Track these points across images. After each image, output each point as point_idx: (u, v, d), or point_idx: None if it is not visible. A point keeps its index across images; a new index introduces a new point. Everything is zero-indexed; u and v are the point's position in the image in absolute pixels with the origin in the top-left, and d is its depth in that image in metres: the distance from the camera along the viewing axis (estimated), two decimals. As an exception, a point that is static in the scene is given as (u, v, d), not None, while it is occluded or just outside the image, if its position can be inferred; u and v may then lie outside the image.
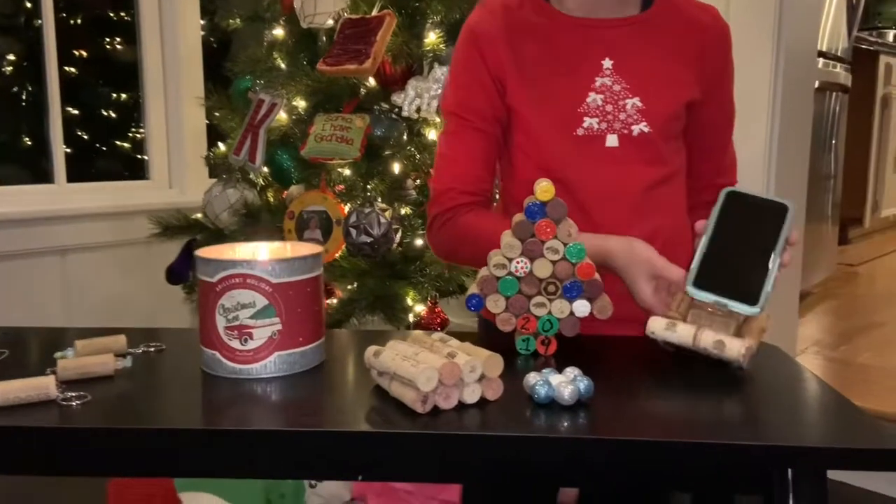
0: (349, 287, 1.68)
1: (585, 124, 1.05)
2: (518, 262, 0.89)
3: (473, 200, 1.08)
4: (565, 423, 0.68)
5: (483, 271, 0.93)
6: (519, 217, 0.90)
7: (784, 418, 0.70)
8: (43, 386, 0.74)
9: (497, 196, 1.19)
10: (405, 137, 1.56)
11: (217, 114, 1.91)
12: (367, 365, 0.78)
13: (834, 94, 3.94)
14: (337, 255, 1.62)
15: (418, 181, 1.70)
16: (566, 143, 1.05)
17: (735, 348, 0.81)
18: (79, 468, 0.77)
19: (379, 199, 1.54)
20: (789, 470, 0.65)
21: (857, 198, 5.79)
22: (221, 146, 1.92)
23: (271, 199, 1.86)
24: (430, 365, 0.69)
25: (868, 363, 2.62)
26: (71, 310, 2.43)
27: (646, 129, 1.06)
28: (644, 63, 1.07)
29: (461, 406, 0.72)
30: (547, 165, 1.06)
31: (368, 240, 1.47)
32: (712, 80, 1.11)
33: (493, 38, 1.07)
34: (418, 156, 1.58)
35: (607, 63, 1.07)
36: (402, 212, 1.60)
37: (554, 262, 0.89)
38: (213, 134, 2.60)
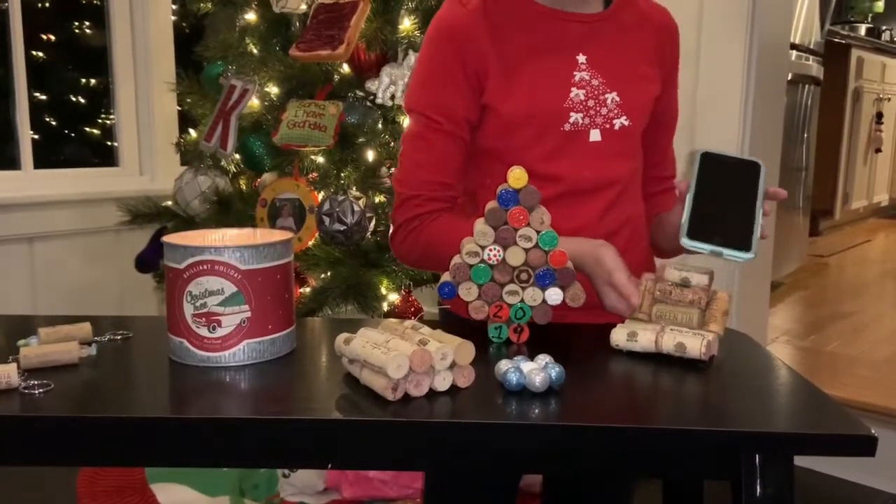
0: (322, 276, 1.67)
1: (572, 119, 1.04)
2: (491, 250, 0.89)
3: (440, 207, 1.06)
4: (536, 411, 0.68)
5: (455, 259, 0.92)
6: (492, 204, 0.89)
7: (752, 404, 0.70)
8: (4, 374, 0.72)
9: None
10: (379, 126, 1.55)
11: (188, 100, 1.87)
12: (338, 352, 0.77)
13: (806, 86, 3.99)
14: (310, 243, 1.60)
15: (392, 168, 1.68)
16: (553, 139, 1.05)
17: (696, 348, 0.82)
18: (42, 457, 0.75)
19: (353, 188, 1.52)
20: (756, 456, 0.65)
21: (827, 190, 5.88)
22: (192, 132, 1.89)
23: (243, 187, 1.84)
24: (400, 352, 0.69)
25: (837, 352, 2.67)
26: (38, 298, 2.39)
27: (626, 123, 1.06)
28: (613, 59, 1.07)
29: (432, 393, 0.72)
30: (529, 162, 1.03)
31: (342, 228, 1.46)
32: (668, 78, 1.14)
33: (474, 33, 1.03)
34: (392, 143, 1.57)
35: (581, 58, 1.06)
36: (376, 200, 1.59)
37: (527, 250, 0.89)
38: (185, 120, 2.56)
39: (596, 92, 1.05)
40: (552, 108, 1.04)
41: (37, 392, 0.72)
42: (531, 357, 0.76)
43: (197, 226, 1.78)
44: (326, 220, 1.47)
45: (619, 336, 0.86)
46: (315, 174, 1.61)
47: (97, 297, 2.51)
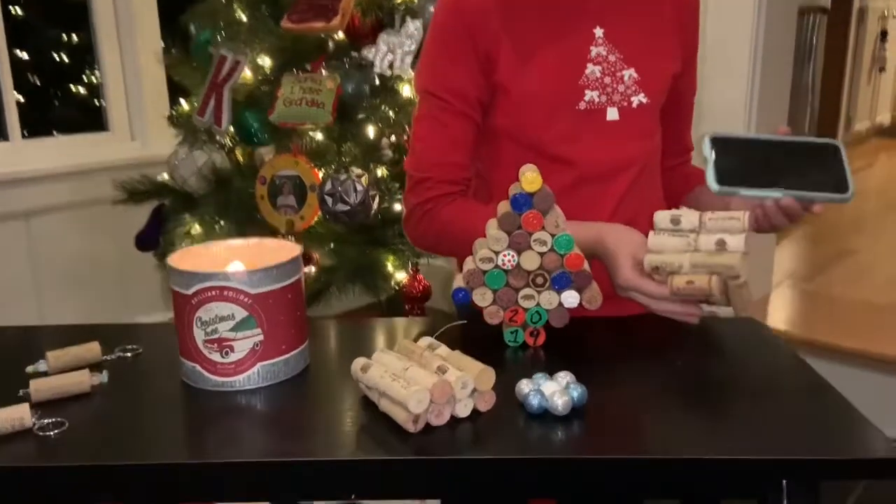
0: (327, 248, 1.64)
1: (587, 98, 1.00)
2: (505, 256, 0.87)
3: (453, 190, 1.03)
4: (559, 440, 0.67)
5: (469, 264, 0.90)
6: (505, 208, 0.87)
7: (778, 423, 0.69)
8: (17, 417, 0.71)
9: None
10: (377, 99, 1.49)
11: (178, 70, 1.81)
12: (355, 378, 0.75)
13: (814, 15, 3.89)
14: (313, 220, 1.57)
15: (393, 137, 1.64)
16: (567, 119, 1.01)
17: (738, 245, 0.81)
18: (57, 499, 0.74)
19: (354, 166, 1.48)
20: (783, 481, 0.65)
21: (831, 114, 5.83)
22: (184, 104, 1.83)
23: (241, 159, 1.80)
24: (421, 386, 0.67)
25: (842, 296, 2.67)
26: (39, 274, 2.36)
27: (644, 101, 1.03)
28: (633, 33, 1.03)
29: (454, 420, 0.70)
30: (542, 144, 1.01)
31: (345, 208, 1.43)
32: (688, 53, 1.10)
33: (483, 10, 0.98)
34: (392, 115, 1.52)
35: (599, 32, 1.02)
36: (378, 173, 1.55)
37: (542, 254, 0.87)
38: (174, 88, 2.47)
39: (613, 68, 1.01)
40: (566, 87, 1.00)
41: (51, 433, 0.71)
42: (551, 371, 0.75)
43: (195, 202, 1.75)
44: (329, 200, 1.44)
45: (661, 218, 0.86)
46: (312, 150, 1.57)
47: (97, 271, 2.49)
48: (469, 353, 0.77)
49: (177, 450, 0.69)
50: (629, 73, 1.02)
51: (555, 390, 0.72)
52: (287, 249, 0.86)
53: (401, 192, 1.51)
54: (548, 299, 0.88)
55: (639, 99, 1.02)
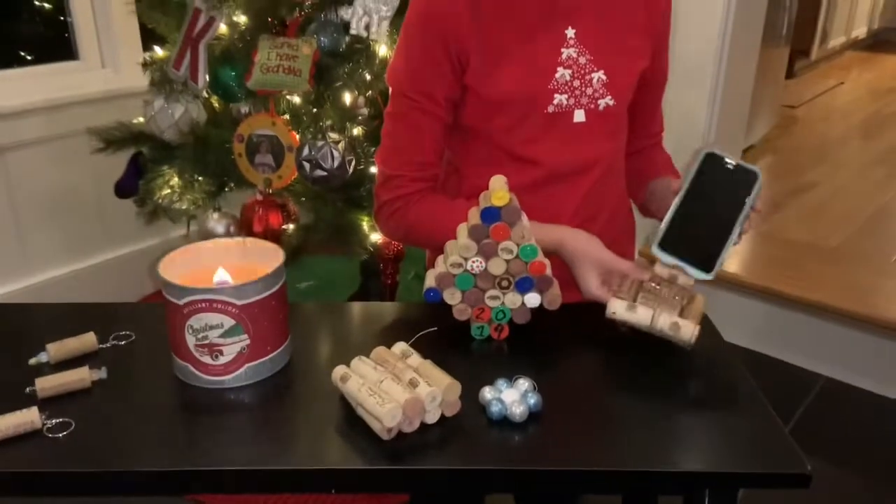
0: (303, 200, 1.69)
1: (556, 101, 1.04)
2: (474, 262, 0.94)
3: (422, 187, 1.08)
4: (514, 449, 0.77)
5: (440, 267, 0.97)
6: (475, 220, 0.93)
7: (709, 440, 0.79)
8: (28, 422, 0.78)
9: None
10: (353, 63, 1.50)
11: (150, 15, 1.78)
12: (335, 384, 0.83)
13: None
14: (291, 180, 1.61)
15: (370, 92, 1.65)
16: (535, 121, 1.05)
17: (688, 332, 0.89)
18: (61, 493, 0.83)
19: (330, 128, 1.50)
20: (707, 489, 0.75)
21: (807, 29, 5.80)
22: (159, 50, 1.81)
23: (217, 107, 1.80)
24: (395, 403, 0.75)
25: (798, 239, 2.79)
26: (18, 212, 2.37)
27: (611, 103, 1.06)
28: (603, 32, 1.05)
29: (423, 427, 0.79)
30: (510, 144, 1.06)
31: (323, 174, 1.46)
32: (658, 44, 1.12)
33: (455, 12, 1.00)
34: (369, 77, 1.53)
35: (570, 32, 1.04)
36: (355, 132, 1.58)
37: (508, 261, 0.93)
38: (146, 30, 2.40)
39: (582, 71, 1.04)
40: (536, 91, 1.04)
41: (60, 435, 0.78)
42: (511, 367, 0.84)
43: (173, 150, 1.76)
44: (306, 165, 1.47)
45: (618, 306, 0.93)
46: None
47: (76, 206, 2.50)
48: (440, 344, 0.88)
49: (176, 452, 0.77)
50: (598, 76, 1.05)
51: (514, 399, 0.80)
52: (272, 254, 0.92)
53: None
54: (512, 300, 0.96)
55: (605, 101, 1.06)
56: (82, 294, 2.52)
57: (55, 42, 2.58)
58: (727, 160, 0.94)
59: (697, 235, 0.93)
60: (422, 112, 1.04)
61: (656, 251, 0.93)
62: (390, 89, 1.08)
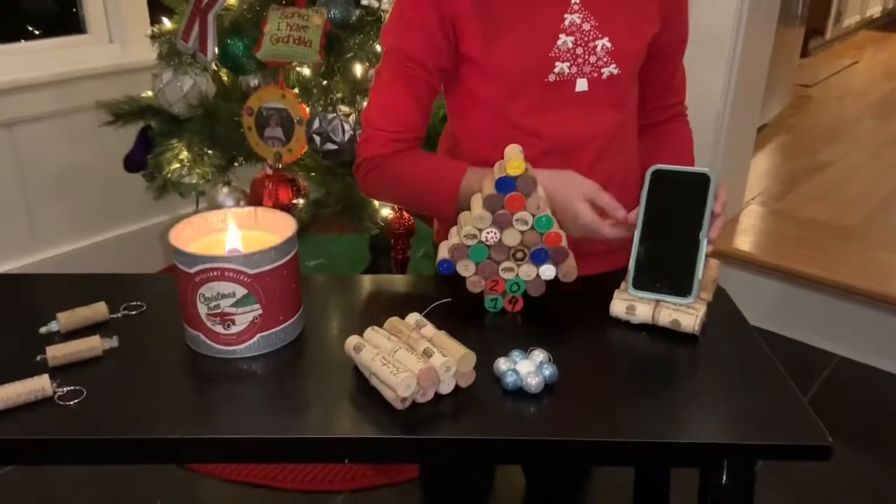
0: (313, 175, 1.68)
1: (557, 69, 1.02)
2: (488, 233, 0.92)
3: (403, 148, 1.06)
4: (530, 419, 0.76)
5: (454, 238, 0.95)
6: (490, 190, 0.91)
7: (726, 410, 0.78)
8: (38, 388, 0.77)
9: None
10: (364, 35, 1.47)
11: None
12: (348, 354, 0.82)
13: None
14: (301, 153, 1.59)
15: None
16: (535, 91, 1.02)
17: (689, 325, 0.88)
18: (79, 461, 0.83)
19: (341, 101, 1.48)
20: (724, 461, 0.74)
21: (822, 8, 5.72)
22: (167, 22, 1.79)
23: (226, 80, 1.78)
24: (409, 372, 0.74)
25: (813, 217, 2.76)
26: (27, 185, 2.37)
27: (615, 72, 1.04)
28: None
29: (437, 397, 0.78)
30: (510, 115, 1.04)
31: (333, 147, 1.45)
32: (670, 7, 1.07)
33: None
34: (380, 48, 1.50)
35: None
36: (366, 105, 1.55)
37: (522, 232, 0.92)
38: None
39: (586, 38, 1.01)
40: (536, 59, 1.01)
41: (71, 403, 0.78)
42: (526, 339, 0.83)
43: (182, 124, 1.75)
44: (317, 139, 1.46)
45: (618, 308, 0.93)
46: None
47: (85, 181, 2.50)
48: (453, 317, 0.87)
49: (188, 421, 0.76)
50: (602, 44, 1.02)
51: (529, 370, 0.79)
52: (283, 224, 0.91)
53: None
54: (526, 272, 0.94)
55: (609, 70, 1.03)
56: (91, 270, 2.51)
57: (63, 16, 2.56)
58: (674, 170, 0.94)
59: (666, 263, 0.92)
60: (409, 75, 1.03)
61: (632, 292, 0.93)
62: (383, 46, 1.07)
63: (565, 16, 1.01)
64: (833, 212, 2.83)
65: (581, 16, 1.01)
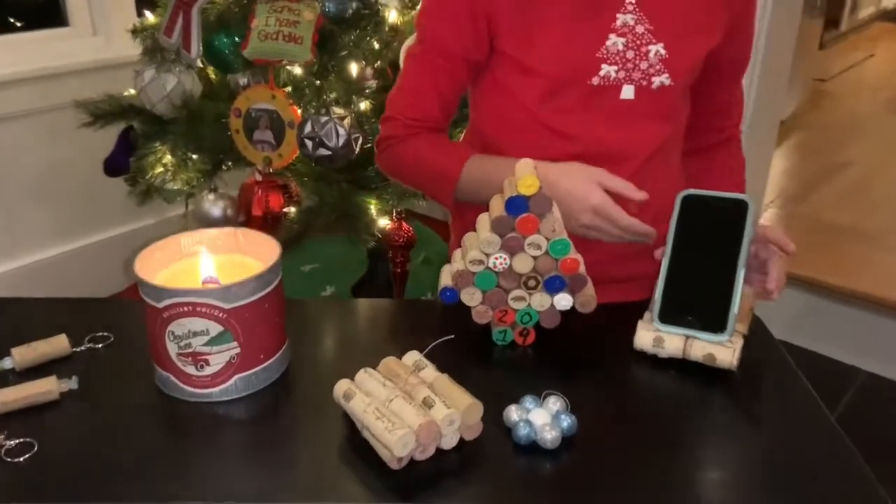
0: (306, 181, 1.57)
1: (602, 72, 0.92)
2: (497, 259, 0.82)
3: (419, 132, 1.01)
4: (547, 480, 0.66)
5: (458, 264, 0.85)
6: (499, 211, 0.81)
7: (768, 471, 0.68)
8: (-18, 443, 0.67)
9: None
10: (360, 30, 1.37)
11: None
12: (337, 401, 0.72)
13: None
14: (292, 158, 1.49)
15: (378, 63, 1.53)
16: (575, 94, 0.93)
17: (726, 360, 0.79)
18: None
19: (335, 102, 1.38)
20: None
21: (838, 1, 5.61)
22: (150, 15, 1.68)
23: (212, 79, 1.67)
24: (406, 430, 0.64)
25: (835, 221, 2.64)
26: (4, 188, 2.26)
27: (667, 82, 0.93)
28: (670, 1, 0.92)
29: (439, 452, 0.68)
30: (545, 118, 0.95)
31: (327, 153, 1.34)
32: (738, 22, 0.97)
33: None
34: (378, 45, 1.40)
35: None
36: (362, 107, 1.45)
37: (535, 258, 0.82)
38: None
39: (638, 42, 0.91)
40: (581, 59, 0.92)
41: (21, 459, 0.68)
42: (538, 381, 0.74)
43: (166, 125, 1.64)
44: (309, 143, 1.35)
45: (644, 340, 0.83)
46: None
47: (66, 184, 2.38)
48: (457, 352, 0.79)
49: (154, 483, 0.66)
50: (656, 49, 0.92)
51: (544, 422, 0.69)
52: (266, 247, 0.80)
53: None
54: (539, 301, 0.84)
55: (661, 80, 0.93)
56: (72, 277, 2.41)
57: (45, 7, 2.44)
58: (708, 195, 0.85)
59: (698, 296, 0.82)
60: (437, 63, 0.97)
61: (658, 325, 0.82)
62: (416, 29, 1.00)
63: (618, 15, 0.91)
64: (856, 215, 2.71)
65: (635, 17, 0.91)
